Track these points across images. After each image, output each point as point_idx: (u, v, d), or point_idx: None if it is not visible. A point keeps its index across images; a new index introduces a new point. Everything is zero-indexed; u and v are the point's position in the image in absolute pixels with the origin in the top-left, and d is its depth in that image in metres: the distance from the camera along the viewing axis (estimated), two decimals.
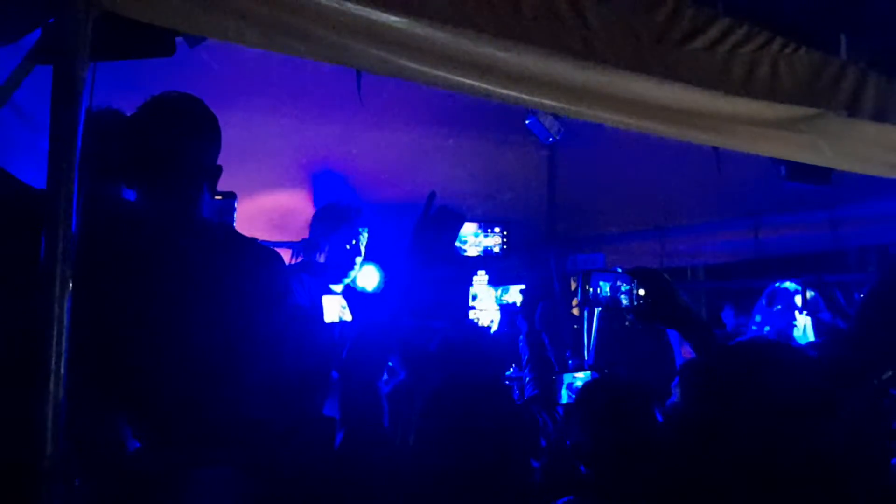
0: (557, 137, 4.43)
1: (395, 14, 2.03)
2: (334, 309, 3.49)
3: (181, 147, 2.13)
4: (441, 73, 2.16)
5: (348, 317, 3.50)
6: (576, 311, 5.84)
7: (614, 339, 5.13)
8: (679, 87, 2.54)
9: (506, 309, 4.44)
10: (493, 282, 4.63)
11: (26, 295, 1.62)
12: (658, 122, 2.60)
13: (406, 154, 4.76)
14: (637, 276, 2.50)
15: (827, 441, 1.47)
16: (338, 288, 3.79)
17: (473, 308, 4.48)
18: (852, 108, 2.93)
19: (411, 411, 2.23)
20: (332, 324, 3.43)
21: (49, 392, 1.58)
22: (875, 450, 1.64)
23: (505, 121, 4.74)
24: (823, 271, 4.66)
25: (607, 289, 2.54)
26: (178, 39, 2.05)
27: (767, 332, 4.55)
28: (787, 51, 2.80)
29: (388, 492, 1.97)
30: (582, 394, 2.57)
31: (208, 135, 2.19)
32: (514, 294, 4.38)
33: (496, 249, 4.82)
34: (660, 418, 2.36)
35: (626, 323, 2.61)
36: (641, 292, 2.46)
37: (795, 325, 4.58)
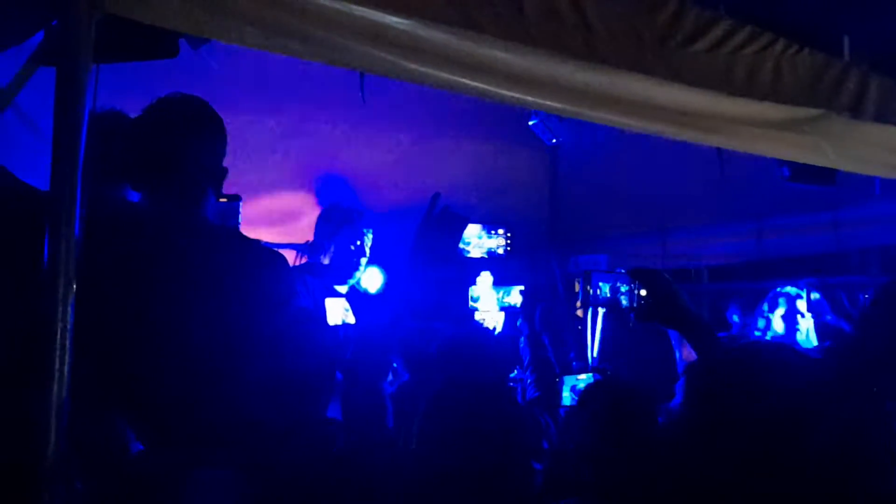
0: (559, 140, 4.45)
1: (398, 15, 2.03)
2: (338, 311, 3.49)
3: (186, 149, 2.13)
4: (443, 75, 2.16)
5: (352, 319, 3.50)
6: (580, 313, 5.84)
7: (618, 340, 5.13)
8: (681, 88, 2.53)
9: (508, 311, 4.44)
10: (497, 283, 4.63)
11: (30, 296, 1.62)
12: (660, 124, 2.60)
13: (409, 155, 4.76)
14: (637, 276, 2.50)
15: (827, 444, 1.47)
16: (342, 289, 3.79)
17: (476, 310, 4.48)
18: (855, 110, 2.93)
19: (415, 413, 2.23)
20: (336, 326, 3.44)
21: (51, 393, 1.58)
22: (877, 454, 1.63)
23: (508, 122, 4.74)
24: (827, 273, 4.65)
25: (607, 289, 2.54)
26: (181, 41, 2.05)
27: (771, 337, 4.54)
28: (790, 52, 2.80)
29: (391, 493, 1.97)
30: (584, 396, 2.57)
31: (214, 137, 2.19)
32: (515, 296, 4.38)
33: (499, 251, 4.82)
34: (661, 420, 2.36)
35: (630, 324, 2.61)
36: (642, 293, 2.46)
37: (798, 330, 4.57)
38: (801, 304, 4.48)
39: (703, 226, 5.45)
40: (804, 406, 1.49)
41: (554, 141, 5.09)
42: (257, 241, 2.24)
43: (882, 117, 2.97)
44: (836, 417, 1.50)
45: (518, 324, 3.77)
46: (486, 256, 4.79)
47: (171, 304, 1.99)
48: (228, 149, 2.22)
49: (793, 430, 1.47)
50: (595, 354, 5.68)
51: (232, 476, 1.96)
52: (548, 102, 2.41)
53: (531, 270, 5.68)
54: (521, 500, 2.03)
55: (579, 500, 2.27)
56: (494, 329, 4.40)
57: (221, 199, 2.41)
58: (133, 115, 2.22)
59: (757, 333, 4.60)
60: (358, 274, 3.86)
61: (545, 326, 3.65)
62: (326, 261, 3.83)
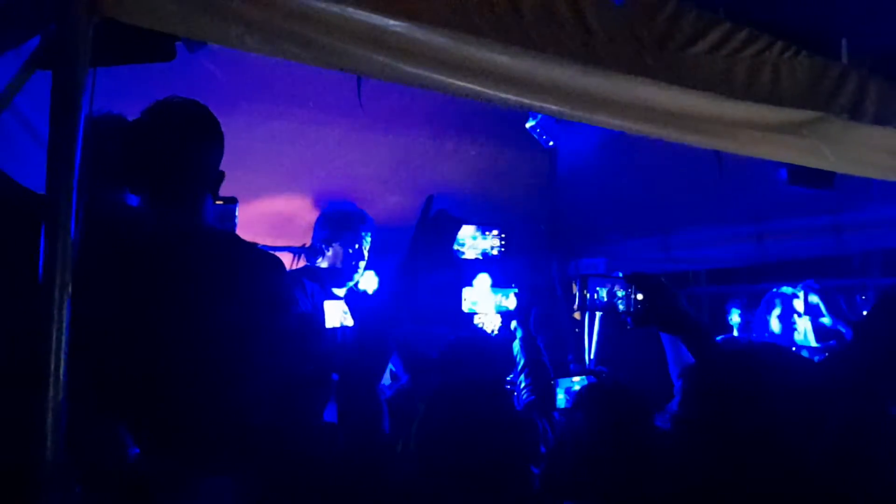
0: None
1: (396, 19, 2.02)
2: (336, 314, 3.49)
3: (184, 152, 2.13)
4: (442, 78, 2.15)
5: (350, 321, 3.50)
6: (577, 316, 5.83)
7: (616, 343, 5.13)
8: (680, 91, 2.53)
9: (504, 314, 4.43)
10: (495, 285, 4.62)
11: (26, 299, 1.62)
12: (659, 126, 2.60)
13: (407, 158, 4.76)
14: (634, 281, 2.50)
15: (825, 446, 1.47)
16: (341, 292, 3.79)
17: (475, 313, 4.47)
18: (854, 112, 2.92)
19: (414, 415, 2.23)
20: (334, 329, 3.43)
21: (49, 398, 1.57)
22: (876, 456, 1.63)
23: (505, 125, 4.74)
24: (826, 276, 4.65)
25: (604, 294, 2.54)
26: (179, 44, 2.04)
27: (767, 336, 4.54)
28: (789, 55, 2.80)
29: (388, 495, 1.96)
30: (579, 398, 2.57)
31: (211, 140, 2.19)
32: (511, 299, 4.36)
33: (494, 252, 4.80)
34: (659, 422, 2.36)
35: (627, 328, 2.61)
36: (639, 297, 2.46)
37: (795, 330, 4.57)
38: (798, 304, 4.48)
39: (703, 229, 5.45)
40: (800, 408, 1.49)
41: (552, 143, 5.09)
42: (254, 245, 2.23)
43: (881, 120, 2.97)
44: (834, 419, 1.50)
45: (513, 327, 3.77)
46: (480, 257, 4.78)
47: (167, 307, 1.99)
48: (225, 152, 2.22)
49: (788, 431, 1.47)
50: (592, 357, 5.68)
51: (229, 482, 1.96)
52: (546, 105, 2.41)
53: (529, 273, 5.68)
54: (518, 502, 2.03)
55: (576, 503, 2.26)
56: (493, 332, 4.40)
57: (218, 202, 2.41)
58: (131, 119, 2.21)
59: (754, 335, 4.61)
60: (357, 277, 3.86)
61: (540, 329, 3.65)
62: (325, 264, 3.82)
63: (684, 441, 1.61)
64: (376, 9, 1.99)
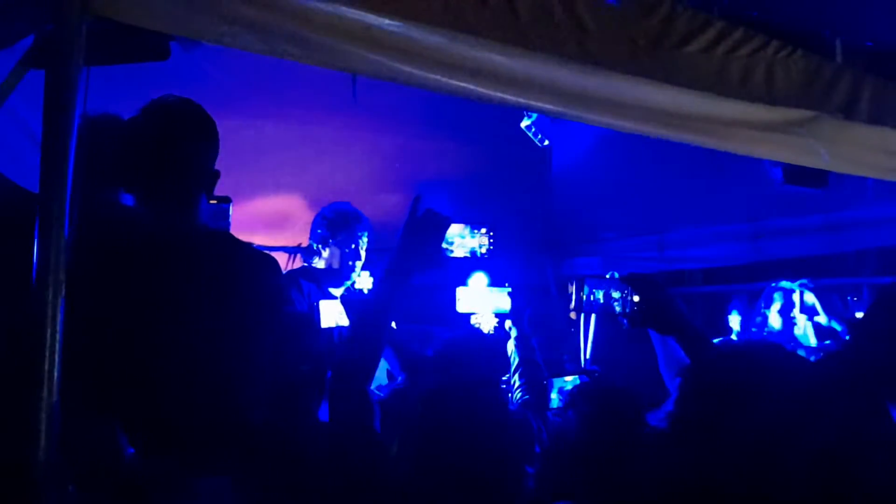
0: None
1: (391, 18, 2.02)
2: (332, 314, 3.48)
3: (179, 151, 2.13)
4: (437, 77, 2.15)
5: (346, 321, 3.49)
6: (573, 315, 5.84)
7: (612, 343, 5.13)
8: (675, 90, 2.53)
9: (499, 314, 4.43)
10: (491, 285, 4.62)
11: (20, 299, 1.62)
12: (654, 125, 2.60)
13: (402, 157, 4.76)
14: (631, 283, 2.50)
15: (821, 446, 1.47)
16: (337, 292, 3.79)
17: (472, 314, 4.46)
18: (848, 111, 2.93)
19: (409, 414, 2.23)
20: (330, 329, 3.43)
21: (42, 398, 1.57)
22: (874, 457, 1.63)
23: (501, 124, 4.74)
24: (821, 275, 4.66)
25: (601, 296, 2.55)
26: (173, 43, 2.04)
27: (768, 332, 4.54)
28: (783, 54, 2.80)
29: (381, 495, 1.96)
30: (571, 398, 2.57)
31: (206, 139, 2.18)
32: (505, 298, 4.35)
33: (483, 250, 4.79)
34: (655, 422, 2.36)
35: (623, 329, 2.62)
36: (635, 299, 2.46)
37: (796, 325, 4.56)
38: (797, 298, 4.48)
39: (698, 228, 5.46)
40: (796, 408, 1.49)
41: (546, 143, 5.10)
42: (249, 245, 2.23)
43: (875, 119, 2.97)
44: (831, 420, 1.50)
45: (508, 326, 3.77)
46: (468, 256, 4.77)
47: (162, 306, 1.99)
48: (221, 151, 2.21)
49: (784, 431, 1.47)
50: (588, 356, 5.68)
51: (225, 482, 1.96)
52: (541, 104, 2.41)
53: (523, 272, 5.68)
54: (512, 501, 2.03)
55: (570, 503, 2.26)
56: (489, 332, 4.40)
57: (212, 202, 2.41)
58: (126, 118, 2.21)
59: (753, 330, 4.60)
60: (354, 276, 3.86)
61: (535, 329, 3.65)
62: (322, 265, 3.82)
63: (681, 440, 1.60)
64: (372, 8, 1.98)
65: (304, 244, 3.93)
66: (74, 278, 1.61)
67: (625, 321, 2.59)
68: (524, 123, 5.01)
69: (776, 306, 4.59)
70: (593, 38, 2.35)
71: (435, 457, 1.98)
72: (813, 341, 4.39)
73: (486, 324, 4.39)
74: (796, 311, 4.57)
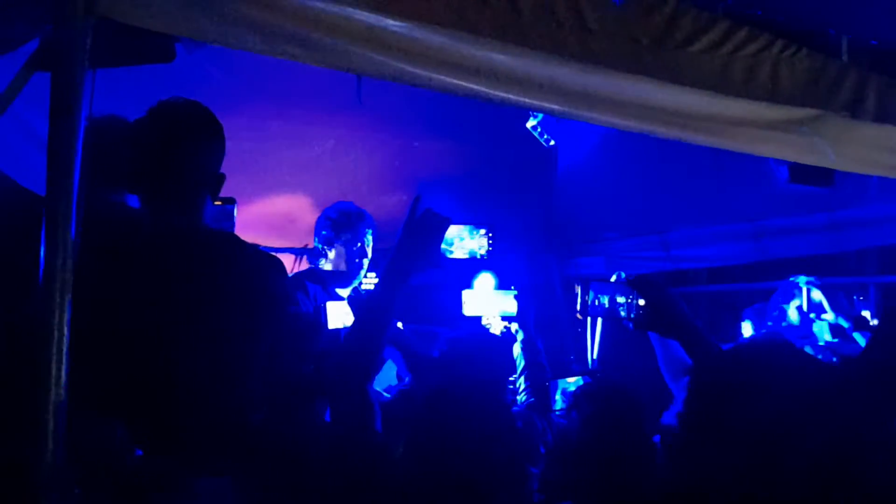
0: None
1: (395, 19, 2.02)
2: (339, 315, 3.47)
3: (185, 153, 2.13)
4: (441, 77, 2.15)
5: None
6: (579, 316, 5.83)
7: (619, 344, 5.12)
8: (679, 89, 2.53)
9: (505, 317, 4.40)
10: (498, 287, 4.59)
11: (27, 300, 1.62)
12: (658, 125, 2.60)
13: (407, 158, 4.76)
14: (636, 286, 2.50)
15: (828, 448, 1.46)
16: (345, 292, 3.79)
17: (479, 318, 4.43)
18: (853, 110, 2.92)
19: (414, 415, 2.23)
20: (337, 329, 3.42)
21: (49, 398, 1.57)
22: (879, 461, 1.62)
23: (505, 124, 4.74)
24: (824, 274, 4.64)
25: (606, 300, 2.55)
26: (177, 45, 2.04)
27: (785, 326, 4.49)
28: (788, 53, 2.79)
29: (383, 496, 1.96)
30: (574, 399, 2.57)
31: (212, 141, 2.19)
32: (510, 301, 4.30)
33: (482, 251, 4.76)
34: (666, 422, 2.36)
35: (629, 331, 2.62)
36: (640, 302, 2.46)
37: (815, 320, 4.52)
38: (816, 294, 4.44)
39: (703, 227, 5.45)
40: (804, 407, 1.48)
41: (552, 143, 5.09)
42: (254, 246, 2.23)
43: (881, 117, 2.96)
44: (839, 421, 1.49)
45: (514, 329, 3.76)
46: (467, 257, 4.75)
47: (167, 308, 1.99)
48: (226, 152, 2.22)
49: (791, 430, 1.47)
50: (594, 357, 5.68)
51: (229, 483, 1.96)
52: (545, 104, 2.41)
53: (528, 273, 5.68)
54: (516, 502, 2.03)
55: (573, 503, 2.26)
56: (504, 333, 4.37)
57: (216, 203, 2.41)
58: (131, 120, 2.21)
59: (769, 324, 4.57)
60: (361, 275, 3.85)
61: (541, 331, 3.65)
62: (328, 266, 3.81)
63: (688, 439, 1.60)
64: (375, 9, 1.98)
65: (310, 245, 3.93)
66: (79, 279, 1.61)
67: (630, 325, 2.60)
68: (530, 123, 5.01)
69: (796, 302, 4.55)
70: (596, 38, 2.35)
71: (436, 457, 1.98)
72: (827, 337, 4.36)
73: (495, 327, 4.36)
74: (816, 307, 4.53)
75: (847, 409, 1.52)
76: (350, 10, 1.96)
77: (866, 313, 4.68)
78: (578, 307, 2.69)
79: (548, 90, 2.33)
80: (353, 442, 2.13)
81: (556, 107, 2.42)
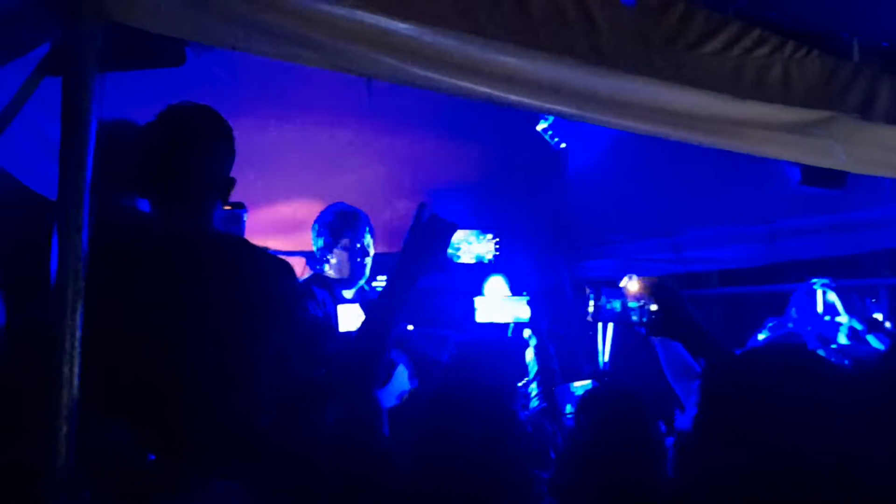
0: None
1: (404, 21, 2.02)
2: (351, 318, 3.47)
3: (195, 157, 2.13)
4: (450, 80, 2.15)
5: None
6: (590, 319, 5.80)
7: (630, 347, 5.10)
8: (690, 91, 2.52)
9: (518, 323, 4.39)
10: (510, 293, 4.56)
11: (38, 303, 1.62)
12: (669, 127, 2.59)
13: (416, 161, 4.76)
14: (649, 290, 2.49)
15: (841, 456, 1.45)
16: (349, 293, 3.78)
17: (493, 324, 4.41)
18: (865, 111, 2.91)
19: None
20: (349, 333, 3.42)
21: (60, 401, 1.58)
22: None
23: (515, 127, 4.73)
24: (837, 276, 4.62)
25: (618, 304, 2.54)
26: (187, 49, 2.05)
27: (811, 329, 4.47)
28: (799, 54, 2.78)
29: (382, 499, 1.96)
30: (581, 403, 2.56)
31: (222, 145, 2.19)
32: (522, 307, 4.26)
33: (488, 257, 4.74)
34: (681, 426, 2.35)
35: (642, 335, 2.62)
36: (653, 308, 2.45)
37: (838, 324, 4.49)
38: (831, 296, 4.42)
39: (714, 229, 5.43)
40: (819, 413, 1.47)
41: (563, 145, 5.08)
42: (264, 250, 2.23)
43: (892, 119, 2.95)
44: (856, 426, 1.48)
45: (527, 335, 3.75)
46: (474, 262, 4.73)
47: (178, 311, 1.99)
48: (236, 157, 2.22)
49: (805, 437, 1.46)
50: (606, 360, 5.66)
51: (239, 487, 1.96)
52: (555, 106, 2.40)
53: (538, 276, 5.66)
54: None
55: None
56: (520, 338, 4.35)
57: (226, 208, 2.42)
58: (141, 124, 2.22)
59: (790, 325, 4.54)
60: (366, 274, 3.84)
61: (553, 336, 3.64)
62: (332, 272, 3.80)
63: (704, 444, 1.59)
64: (384, 11, 1.98)
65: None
66: (89, 282, 1.62)
67: (642, 330, 2.59)
68: (540, 126, 5.00)
69: (812, 304, 4.51)
70: (607, 39, 2.34)
71: (439, 460, 1.97)
72: (842, 339, 4.33)
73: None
74: (834, 309, 4.50)
75: (864, 415, 1.51)
76: (359, 13, 1.96)
77: (878, 315, 4.65)
78: (591, 311, 2.67)
79: (557, 92, 2.33)
80: (357, 445, 2.14)
81: (566, 109, 2.42)
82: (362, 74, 2.21)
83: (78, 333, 1.60)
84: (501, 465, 1.97)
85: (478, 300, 4.24)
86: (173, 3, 1.78)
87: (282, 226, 4.42)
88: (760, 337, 4.84)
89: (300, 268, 4.18)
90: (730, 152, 2.77)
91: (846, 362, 3.96)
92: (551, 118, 4.88)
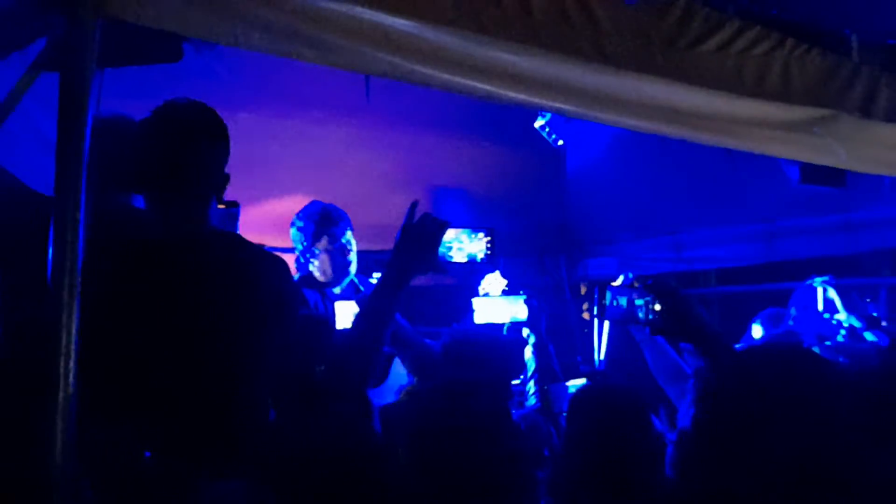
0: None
1: (404, 18, 2.01)
2: (348, 315, 3.46)
3: (190, 154, 2.13)
4: (450, 77, 2.14)
5: None
6: (586, 315, 5.81)
7: (626, 345, 5.10)
8: (691, 89, 2.52)
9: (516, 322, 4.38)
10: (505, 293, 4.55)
11: (34, 301, 1.61)
12: (669, 125, 2.59)
13: (415, 159, 4.75)
14: (654, 291, 2.49)
15: (842, 456, 1.45)
16: (339, 290, 3.78)
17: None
18: (865, 110, 2.90)
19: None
20: (346, 330, 3.41)
21: (57, 400, 1.57)
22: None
23: (514, 124, 4.73)
24: (838, 275, 4.62)
25: (624, 302, 2.54)
26: (185, 45, 2.04)
27: (809, 328, 4.46)
28: (799, 52, 2.78)
29: (382, 497, 1.95)
30: (573, 401, 2.56)
31: (218, 142, 2.19)
32: (520, 306, 4.24)
33: (480, 256, 4.73)
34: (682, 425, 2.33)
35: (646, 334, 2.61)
36: (657, 307, 2.45)
37: (837, 323, 4.49)
38: (831, 293, 4.42)
39: (714, 228, 5.43)
40: (820, 414, 1.47)
41: (561, 143, 5.09)
42: (260, 246, 2.23)
43: (893, 117, 2.94)
44: (857, 425, 1.48)
45: (525, 334, 3.74)
46: (466, 261, 4.71)
47: (175, 309, 1.99)
48: (231, 153, 2.21)
49: (806, 438, 1.45)
50: (602, 358, 5.66)
51: (240, 485, 1.95)
52: (555, 104, 2.40)
53: (537, 274, 5.66)
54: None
55: None
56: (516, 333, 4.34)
57: (220, 206, 2.41)
58: (137, 120, 2.21)
59: (791, 323, 4.54)
60: (352, 271, 3.82)
61: (551, 334, 3.64)
62: (318, 274, 3.78)
63: (703, 443, 1.59)
64: (384, 8, 1.97)
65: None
66: (87, 281, 1.61)
67: (647, 329, 2.58)
68: (538, 123, 5.00)
69: (812, 302, 4.51)
70: (608, 37, 2.34)
71: (432, 457, 1.97)
72: (840, 337, 4.33)
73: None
74: (834, 307, 4.50)
75: (864, 413, 1.51)
76: (359, 9, 1.95)
77: (876, 315, 4.65)
78: (595, 311, 2.67)
79: (558, 90, 2.32)
80: (349, 442, 2.13)
81: (566, 107, 2.41)
82: (362, 71, 2.20)
83: (74, 330, 1.59)
84: (494, 462, 1.96)
85: (476, 301, 4.23)
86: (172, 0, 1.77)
87: (278, 222, 4.40)
88: (754, 327, 4.85)
89: (294, 265, 4.17)
90: (730, 150, 2.77)
91: (841, 359, 3.96)
92: (549, 115, 4.88)
